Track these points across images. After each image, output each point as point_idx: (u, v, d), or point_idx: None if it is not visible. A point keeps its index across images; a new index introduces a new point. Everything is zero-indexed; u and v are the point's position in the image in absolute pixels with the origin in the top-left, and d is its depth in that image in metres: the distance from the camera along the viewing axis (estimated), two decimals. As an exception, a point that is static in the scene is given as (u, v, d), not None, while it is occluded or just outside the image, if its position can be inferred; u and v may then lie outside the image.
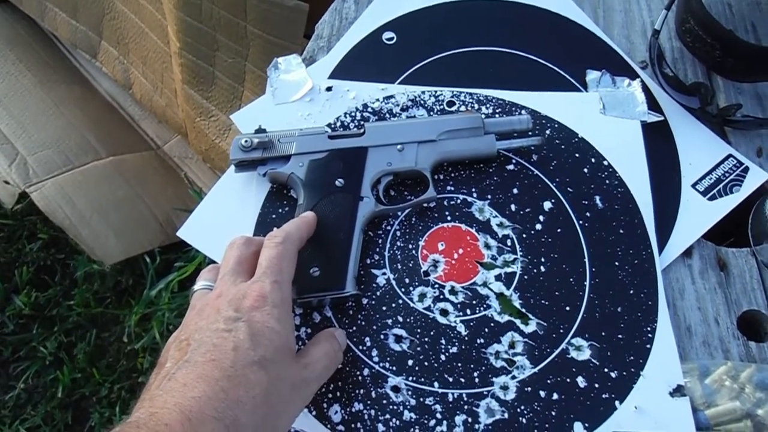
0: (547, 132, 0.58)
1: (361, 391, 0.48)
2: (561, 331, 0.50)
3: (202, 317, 0.41)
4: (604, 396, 0.48)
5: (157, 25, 1.14)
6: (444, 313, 0.51)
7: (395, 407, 0.48)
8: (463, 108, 0.60)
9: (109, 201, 1.20)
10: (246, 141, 0.54)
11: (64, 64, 1.40)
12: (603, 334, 0.50)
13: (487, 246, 0.53)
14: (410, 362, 0.49)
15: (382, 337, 0.50)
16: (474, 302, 0.51)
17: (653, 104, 0.60)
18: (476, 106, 0.60)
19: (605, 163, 0.57)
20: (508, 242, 0.54)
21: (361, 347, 0.50)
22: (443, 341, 0.50)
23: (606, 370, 0.49)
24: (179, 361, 0.38)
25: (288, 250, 0.45)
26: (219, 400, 0.36)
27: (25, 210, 1.28)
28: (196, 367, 0.37)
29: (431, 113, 0.59)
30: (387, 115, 0.59)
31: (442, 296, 0.52)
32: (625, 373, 0.48)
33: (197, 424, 0.34)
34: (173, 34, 1.06)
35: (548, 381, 0.48)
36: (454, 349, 0.50)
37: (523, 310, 0.51)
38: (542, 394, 0.48)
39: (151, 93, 1.25)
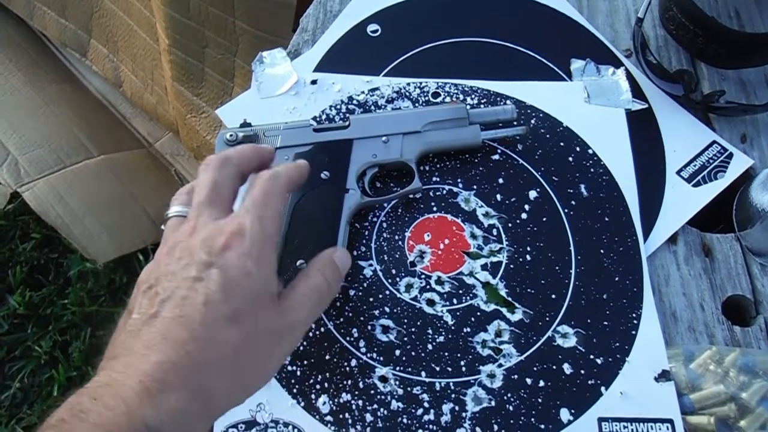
0: (532, 121, 0.59)
1: (349, 382, 0.48)
2: (547, 318, 0.51)
3: (172, 258, 0.37)
4: (590, 382, 0.48)
5: (145, 22, 1.14)
6: (430, 303, 0.51)
7: (383, 397, 0.48)
8: (448, 99, 0.60)
9: (101, 199, 1.19)
10: (231, 135, 0.54)
11: (53, 63, 1.40)
12: (589, 321, 0.50)
13: (473, 236, 0.54)
14: (397, 352, 0.49)
15: (369, 327, 0.50)
16: (460, 292, 0.52)
17: (637, 92, 0.60)
18: (461, 96, 0.60)
19: (590, 151, 0.57)
20: (494, 232, 0.54)
21: (348, 338, 0.50)
22: (430, 331, 0.50)
23: (592, 356, 0.49)
24: (146, 314, 0.35)
25: (275, 187, 0.41)
26: (184, 367, 0.32)
27: (18, 210, 1.28)
28: (163, 325, 0.34)
29: (416, 105, 0.59)
30: (372, 108, 0.59)
31: (428, 286, 0.52)
32: (610, 359, 0.49)
33: (159, 396, 0.31)
34: (162, 31, 1.06)
35: (535, 368, 0.49)
36: (441, 339, 0.50)
37: (510, 299, 0.51)
38: (529, 381, 0.48)
39: (142, 90, 1.25)
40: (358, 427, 0.47)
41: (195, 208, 0.40)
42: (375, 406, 0.48)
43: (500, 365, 0.49)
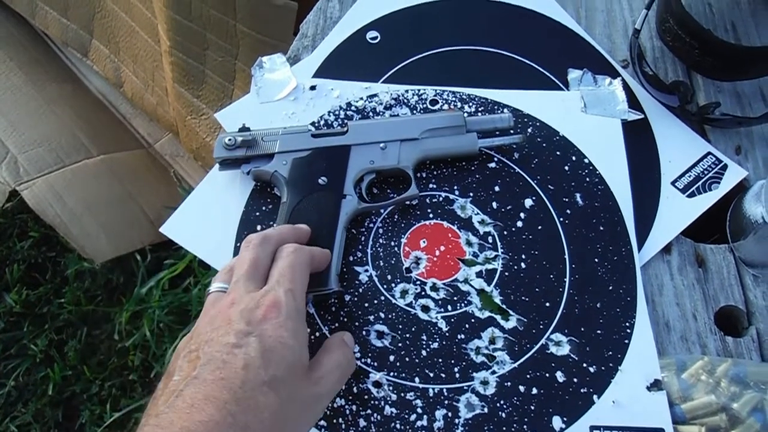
0: (529, 130, 0.59)
1: (343, 387, 0.48)
2: (541, 326, 0.51)
3: (213, 327, 0.40)
4: (582, 390, 0.48)
5: (147, 23, 1.14)
6: (425, 309, 0.52)
7: (376, 402, 0.48)
8: (445, 106, 0.60)
9: (99, 199, 1.20)
10: (230, 139, 0.55)
11: (55, 63, 1.40)
12: (582, 329, 0.51)
13: (469, 243, 0.54)
14: (391, 358, 0.50)
15: (364, 333, 0.51)
16: (455, 298, 0.52)
17: (634, 103, 0.61)
18: (459, 104, 0.60)
19: (586, 161, 0.58)
20: (490, 239, 0.54)
21: (343, 343, 0.50)
22: (424, 337, 0.50)
23: (585, 365, 0.49)
24: (188, 376, 0.37)
25: (300, 260, 0.44)
26: (227, 425, 0.34)
27: (16, 208, 1.28)
28: (205, 386, 0.36)
29: (414, 112, 0.60)
30: (370, 114, 0.60)
31: (423, 293, 0.52)
32: (603, 368, 0.49)
33: None
34: (163, 33, 1.06)
35: (528, 376, 0.49)
36: (435, 345, 0.50)
37: (504, 306, 0.52)
38: (522, 388, 0.49)
39: (142, 91, 1.26)
40: (352, 432, 0.47)
41: (234, 283, 0.43)
42: (368, 411, 0.48)
43: (493, 372, 0.49)
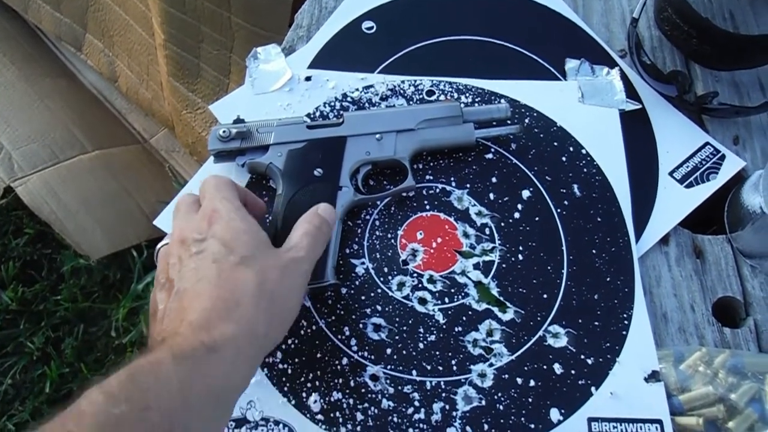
0: (526, 121, 0.58)
1: (340, 381, 0.48)
2: (538, 318, 0.51)
3: (172, 257, 0.42)
4: (580, 382, 0.48)
5: (141, 16, 1.13)
6: (422, 301, 0.51)
7: (374, 396, 0.48)
8: (442, 97, 0.60)
9: (95, 195, 1.19)
10: (224, 131, 0.54)
11: (48, 57, 1.39)
12: (580, 321, 0.50)
13: (466, 235, 0.54)
14: (389, 351, 0.49)
15: (360, 326, 0.50)
16: (452, 291, 0.51)
17: (631, 92, 0.60)
18: (455, 95, 0.60)
19: (583, 151, 0.57)
20: (487, 231, 0.54)
21: (339, 336, 0.50)
22: (421, 330, 0.50)
23: (582, 356, 0.49)
24: (169, 297, 0.39)
25: (218, 179, 0.46)
26: (219, 308, 0.37)
27: (11, 205, 1.27)
28: (187, 293, 0.39)
29: (410, 102, 0.59)
30: (366, 105, 0.59)
31: (420, 285, 0.52)
32: (601, 360, 0.49)
33: (209, 328, 0.36)
34: (158, 26, 1.05)
35: (525, 368, 0.49)
36: (432, 338, 0.50)
37: (501, 298, 0.51)
38: (519, 381, 0.48)
39: (137, 86, 1.25)
40: (349, 426, 0.47)
41: (174, 223, 0.45)
42: (366, 404, 0.47)
43: (491, 365, 0.49)
